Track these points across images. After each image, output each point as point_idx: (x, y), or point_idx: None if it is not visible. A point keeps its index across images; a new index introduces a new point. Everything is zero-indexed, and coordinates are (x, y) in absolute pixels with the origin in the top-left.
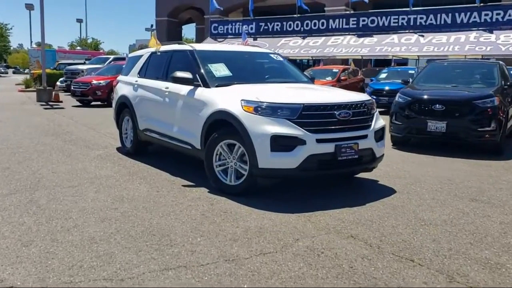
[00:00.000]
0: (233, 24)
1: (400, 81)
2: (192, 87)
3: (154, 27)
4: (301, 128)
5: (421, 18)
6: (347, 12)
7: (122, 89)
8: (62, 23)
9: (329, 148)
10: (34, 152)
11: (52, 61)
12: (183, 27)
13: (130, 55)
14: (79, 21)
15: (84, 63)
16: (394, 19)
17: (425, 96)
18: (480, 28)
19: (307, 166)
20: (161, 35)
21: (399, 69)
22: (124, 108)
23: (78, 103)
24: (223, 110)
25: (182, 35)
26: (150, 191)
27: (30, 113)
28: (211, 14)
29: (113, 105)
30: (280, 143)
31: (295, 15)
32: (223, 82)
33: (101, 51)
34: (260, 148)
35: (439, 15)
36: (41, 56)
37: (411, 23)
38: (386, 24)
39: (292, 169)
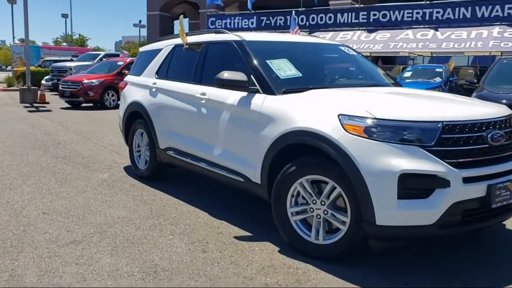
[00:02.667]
0: (232, 18)
1: (427, 79)
2: (245, 93)
3: (142, 22)
4: (441, 161)
5: (437, 12)
6: (357, 5)
7: (134, 93)
8: (46, 18)
9: (480, 190)
10: (17, 176)
11: (36, 58)
12: (174, 22)
13: (142, 49)
14: (64, 16)
15: (71, 60)
16: (408, 13)
17: None
18: (503, 23)
19: (449, 220)
20: (153, 30)
21: (425, 67)
22: (137, 119)
23: (67, 105)
24: (306, 129)
25: (174, 31)
26: (193, 251)
27: (13, 117)
28: (208, 8)
29: (121, 113)
30: (412, 186)
31: (300, 9)
32: (293, 86)
33: (88, 47)
34: (380, 194)
35: (457, 9)
36: (25, 53)
37: (427, 18)
38: (399, 18)
39: (427, 226)
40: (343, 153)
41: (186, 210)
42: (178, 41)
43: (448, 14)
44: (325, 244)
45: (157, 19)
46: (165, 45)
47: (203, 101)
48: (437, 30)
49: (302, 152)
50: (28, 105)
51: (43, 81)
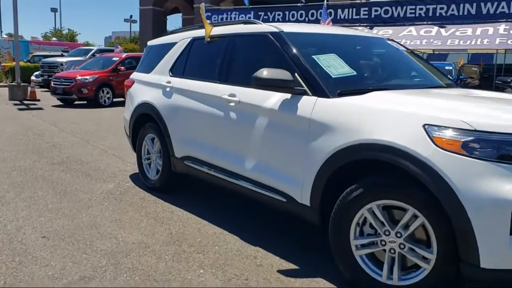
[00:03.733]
0: (228, 13)
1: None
2: (287, 96)
3: (133, 17)
4: None
5: (441, 8)
6: (357, 1)
7: (143, 93)
8: (34, 12)
9: None
10: (9, 187)
11: (25, 53)
12: (167, 17)
13: (151, 43)
14: (54, 10)
15: (62, 55)
16: (411, 9)
17: None
18: (509, 20)
19: None
20: (146, 25)
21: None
22: (147, 122)
23: (59, 102)
24: (379, 143)
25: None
26: None
27: (1, 116)
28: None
29: (127, 115)
30: None
31: (298, 4)
32: (349, 87)
33: (78, 42)
34: (488, 229)
35: (462, 5)
36: (14, 48)
37: (430, 14)
38: (401, 15)
39: None
40: (435, 174)
41: (211, 233)
42: (196, 33)
43: (452, 10)
44: (401, 285)
45: (150, 14)
46: (181, 38)
47: (232, 104)
48: (441, 27)
49: (371, 169)
50: (18, 102)
51: (33, 77)
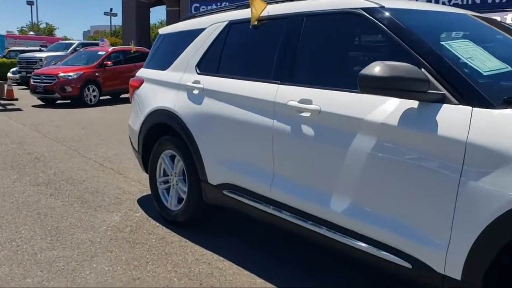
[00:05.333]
0: (219, 4)
1: None
2: (413, 104)
3: (114, 10)
4: None
5: None
6: None
7: (158, 96)
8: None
9: None
10: None
11: (1, 48)
12: (150, 9)
13: (164, 30)
14: (30, 3)
15: (40, 50)
16: None
17: None
18: None
19: None
20: (129, 18)
21: None
22: (165, 134)
23: (40, 102)
24: None
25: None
26: None
27: None
28: None
29: (134, 124)
30: None
31: None
32: None
33: (57, 36)
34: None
35: None
36: None
37: (432, 3)
38: None
39: None
40: None
41: None
42: (233, 16)
43: None
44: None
45: (133, 6)
46: (210, 23)
47: (307, 115)
48: None
49: None
50: None
51: (9, 74)
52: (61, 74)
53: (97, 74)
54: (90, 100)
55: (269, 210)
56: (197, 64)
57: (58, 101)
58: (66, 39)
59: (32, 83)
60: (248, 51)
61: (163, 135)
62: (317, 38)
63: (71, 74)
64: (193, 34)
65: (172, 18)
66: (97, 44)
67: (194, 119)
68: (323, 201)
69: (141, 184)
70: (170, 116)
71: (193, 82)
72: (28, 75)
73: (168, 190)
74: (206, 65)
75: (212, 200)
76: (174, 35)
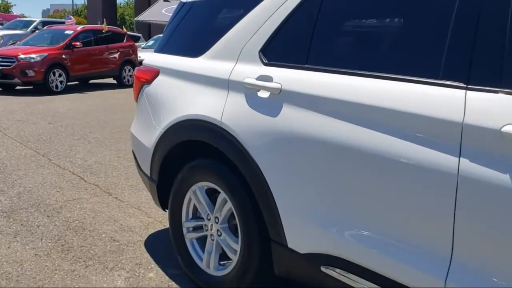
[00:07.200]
0: None
1: None
2: None
3: None
4: None
5: None
6: None
7: (187, 96)
8: None
9: None
10: None
11: None
12: None
13: None
14: None
15: None
16: None
17: None
18: None
19: None
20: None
21: None
22: (198, 157)
23: None
24: None
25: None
26: None
27: None
28: None
29: (144, 136)
30: None
31: None
32: None
33: (14, 14)
34: None
35: None
36: None
37: None
38: None
39: None
40: None
41: None
42: None
43: None
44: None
45: None
46: None
47: None
48: None
49: None
50: None
51: None
52: (22, 56)
53: (64, 56)
54: (56, 86)
55: None
56: (262, 49)
57: (18, 87)
58: (23, 17)
59: None
60: (378, 25)
61: (195, 157)
62: None
63: (33, 56)
64: (247, 1)
65: (142, 9)
66: (62, 23)
67: (261, 140)
68: None
69: (142, 212)
70: (213, 131)
71: (257, 78)
72: None
73: (202, 241)
74: (281, 50)
75: (291, 274)
76: (212, 3)
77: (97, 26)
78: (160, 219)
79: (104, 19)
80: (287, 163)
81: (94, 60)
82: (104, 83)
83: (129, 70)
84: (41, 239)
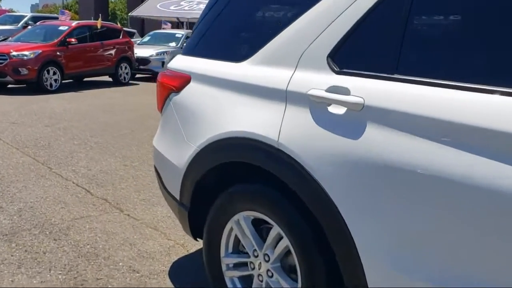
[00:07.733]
0: None
1: None
2: None
3: None
4: None
5: None
6: None
7: (230, 108)
8: None
9: None
10: None
11: None
12: None
13: None
14: None
15: None
16: None
17: None
18: None
19: None
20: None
21: None
22: (242, 181)
23: None
24: None
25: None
26: None
27: None
28: None
29: (173, 154)
30: None
31: None
32: None
33: (3, 8)
34: None
35: None
36: None
37: None
38: None
39: None
40: None
41: None
42: None
43: None
44: None
45: None
46: None
47: None
48: None
49: None
50: None
51: None
52: (14, 53)
53: (58, 53)
54: (50, 85)
55: None
56: (331, 54)
57: (10, 86)
58: (12, 12)
59: None
60: (496, 23)
61: (239, 180)
62: None
63: (26, 53)
64: None
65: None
66: (54, 18)
67: (337, 169)
68: None
69: (160, 234)
70: (267, 153)
71: (327, 90)
72: None
73: (245, 280)
74: (359, 56)
75: None
76: None
77: (92, 21)
78: (182, 242)
79: (100, 15)
80: (372, 198)
81: (89, 57)
82: (99, 81)
83: (126, 68)
84: (50, 269)
